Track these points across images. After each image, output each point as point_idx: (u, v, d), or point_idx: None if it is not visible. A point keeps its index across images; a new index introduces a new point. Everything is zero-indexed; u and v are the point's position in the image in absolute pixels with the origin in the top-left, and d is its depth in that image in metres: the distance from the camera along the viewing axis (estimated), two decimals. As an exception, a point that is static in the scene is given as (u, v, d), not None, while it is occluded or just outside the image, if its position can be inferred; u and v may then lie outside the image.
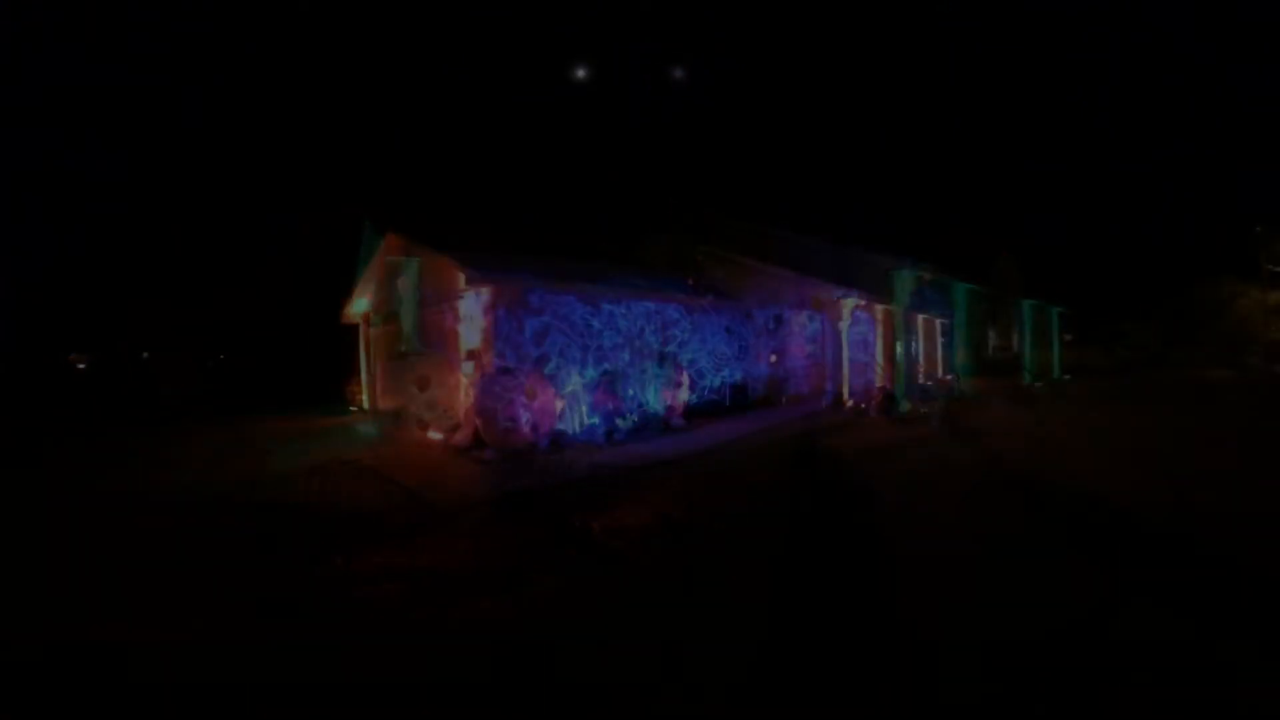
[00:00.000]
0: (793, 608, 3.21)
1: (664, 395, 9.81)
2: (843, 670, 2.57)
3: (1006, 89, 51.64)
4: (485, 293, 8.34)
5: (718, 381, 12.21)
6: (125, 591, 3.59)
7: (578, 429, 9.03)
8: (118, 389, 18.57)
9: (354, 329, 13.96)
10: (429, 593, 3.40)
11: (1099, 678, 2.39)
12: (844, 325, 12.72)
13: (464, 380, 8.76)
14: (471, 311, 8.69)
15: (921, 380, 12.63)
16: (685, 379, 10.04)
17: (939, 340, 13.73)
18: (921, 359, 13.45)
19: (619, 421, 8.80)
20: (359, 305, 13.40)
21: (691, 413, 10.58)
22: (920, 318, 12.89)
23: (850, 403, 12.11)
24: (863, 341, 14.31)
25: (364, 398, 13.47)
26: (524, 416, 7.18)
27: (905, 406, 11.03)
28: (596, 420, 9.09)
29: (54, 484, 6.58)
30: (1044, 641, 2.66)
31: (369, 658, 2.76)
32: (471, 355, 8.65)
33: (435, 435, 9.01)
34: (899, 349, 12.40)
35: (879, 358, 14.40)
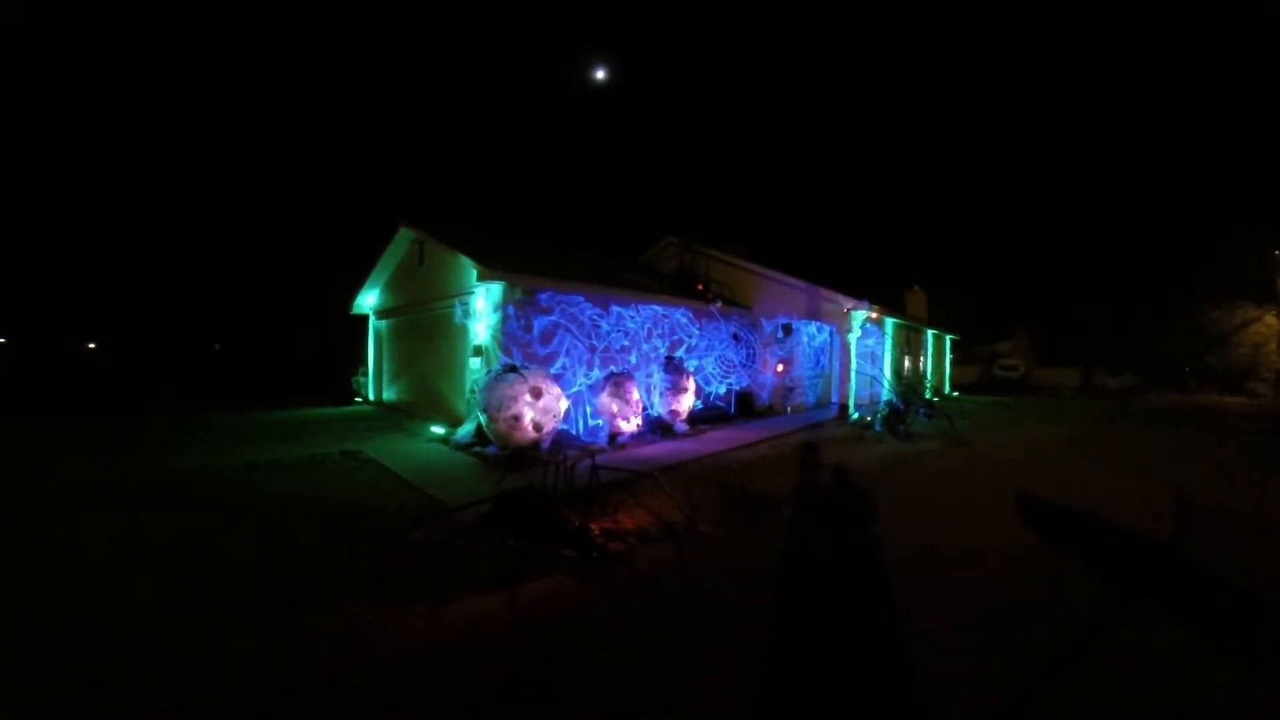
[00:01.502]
0: (791, 618, 3.16)
1: (669, 400, 9.77)
2: (839, 685, 2.52)
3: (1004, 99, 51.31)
4: (495, 289, 8.35)
5: (723, 388, 12.16)
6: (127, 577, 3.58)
7: (581, 430, 9.01)
8: (122, 375, 18.73)
9: (362, 320, 14.03)
10: (425, 589, 3.37)
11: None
12: (853, 337, 12.67)
13: (470, 376, 8.76)
14: (480, 308, 8.70)
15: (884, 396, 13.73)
16: (691, 384, 9.98)
17: (882, 365, 15.38)
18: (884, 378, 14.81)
19: (623, 424, 8.77)
20: (368, 297, 13.47)
21: (696, 419, 10.53)
22: (870, 343, 14.60)
23: (856, 415, 12.03)
24: (870, 355, 14.27)
25: (370, 389, 13.52)
26: (528, 415, 7.15)
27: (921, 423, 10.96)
28: (600, 422, 9.06)
29: (47, 470, 6.61)
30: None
31: (362, 656, 2.73)
32: (478, 352, 8.65)
33: (437, 430, 9.01)
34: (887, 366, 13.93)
35: (887, 371, 14.36)
